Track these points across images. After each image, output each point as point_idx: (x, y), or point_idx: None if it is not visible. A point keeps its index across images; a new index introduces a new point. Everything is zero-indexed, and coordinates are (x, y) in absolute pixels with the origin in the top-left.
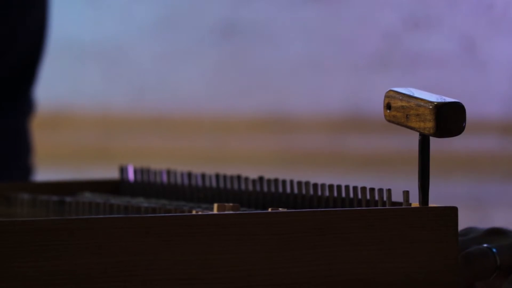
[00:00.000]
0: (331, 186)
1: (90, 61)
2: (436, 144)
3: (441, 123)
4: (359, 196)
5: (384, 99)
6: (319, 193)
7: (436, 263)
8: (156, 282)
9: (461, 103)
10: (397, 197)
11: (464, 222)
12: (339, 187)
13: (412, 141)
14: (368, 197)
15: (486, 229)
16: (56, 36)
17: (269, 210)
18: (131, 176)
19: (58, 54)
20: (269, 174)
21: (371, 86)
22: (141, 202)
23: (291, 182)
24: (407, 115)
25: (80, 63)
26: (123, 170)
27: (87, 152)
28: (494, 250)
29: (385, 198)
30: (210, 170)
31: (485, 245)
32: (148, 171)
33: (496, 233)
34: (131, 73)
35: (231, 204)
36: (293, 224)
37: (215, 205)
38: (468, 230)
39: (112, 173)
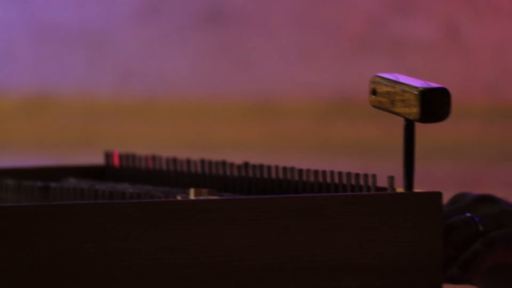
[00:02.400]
0: (316, 172)
1: (75, 46)
2: (422, 129)
3: (426, 109)
4: (344, 181)
5: (370, 85)
6: (304, 178)
7: (421, 247)
8: (140, 267)
9: (446, 89)
10: (382, 182)
11: None
12: (324, 172)
13: (397, 126)
14: (353, 182)
15: (475, 196)
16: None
17: (254, 195)
18: (116, 161)
19: (43, 39)
20: (254, 160)
21: (357, 71)
22: (126, 187)
23: (276, 167)
24: (392, 100)
25: (65, 48)
26: (108, 156)
27: (72, 138)
28: (476, 219)
29: (370, 184)
30: (195, 155)
31: (468, 214)
32: (133, 156)
33: (484, 200)
34: (116, 59)
35: (207, 189)
36: (278, 209)
37: (192, 190)
38: (458, 197)
39: (97, 159)
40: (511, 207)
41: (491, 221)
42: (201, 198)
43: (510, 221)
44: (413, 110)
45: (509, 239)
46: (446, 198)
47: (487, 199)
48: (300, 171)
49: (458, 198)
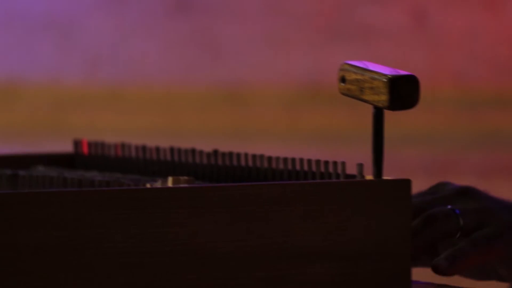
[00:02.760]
0: (285, 159)
1: (43, 33)
2: (390, 117)
3: (395, 96)
4: (314, 169)
5: (339, 72)
6: (274, 166)
7: (390, 234)
8: (109, 256)
9: (415, 76)
10: (351, 169)
11: None
12: (293, 160)
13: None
14: (322, 170)
15: (457, 187)
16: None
17: (223, 183)
18: (85, 149)
19: (10, 26)
20: (223, 148)
21: (326, 59)
22: (95, 175)
23: (246, 155)
24: (361, 88)
25: (33, 35)
26: (77, 144)
27: (40, 125)
28: (457, 211)
29: (339, 171)
30: (164, 143)
31: (449, 206)
32: (102, 144)
33: (466, 193)
34: (85, 46)
35: (185, 177)
36: (247, 197)
37: (170, 178)
38: (438, 187)
39: (66, 147)
40: (492, 203)
41: (472, 217)
42: (170, 186)
43: (490, 219)
44: (382, 98)
45: (491, 240)
46: (415, 186)
47: (469, 192)
48: (270, 158)
49: (438, 188)
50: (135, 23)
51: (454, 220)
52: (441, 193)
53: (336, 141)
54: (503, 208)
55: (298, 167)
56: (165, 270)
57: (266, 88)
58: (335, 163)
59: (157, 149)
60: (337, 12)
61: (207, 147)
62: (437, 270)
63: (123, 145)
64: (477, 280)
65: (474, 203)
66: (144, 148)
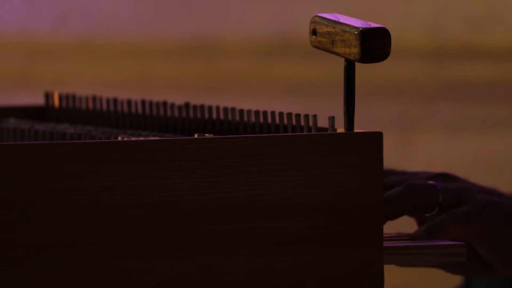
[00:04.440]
0: (257, 112)
1: None
2: (362, 70)
3: (366, 49)
4: (285, 122)
5: (310, 25)
6: (245, 119)
7: (362, 187)
8: (81, 208)
9: (386, 29)
10: (323, 123)
11: (389, 146)
12: (265, 113)
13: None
14: (294, 123)
15: (436, 172)
16: None
17: (195, 136)
18: (56, 102)
19: None
20: (195, 100)
21: (297, 11)
22: (67, 128)
23: (217, 108)
24: (332, 40)
25: None
26: (48, 96)
27: (10, 78)
28: (438, 187)
29: (311, 124)
30: (136, 96)
31: (431, 182)
32: (73, 97)
33: (444, 177)
34: None
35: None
36: (219, 150)
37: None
38: (416, 173)
39: (37, 99)
40: (470, 185)
41: (451, 195)
42: (141, 138)
43: (468, 199)
44: (353, 50)
45: (469, 217)
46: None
47: (448, 175)
48: (241, 111)
49: (417, 173)
50: None
51: (434, 195)
52: (421, 175)
53: (307, 94)
54: (480, 190)
55: (269, 120)
56: (136, 223)
57: (237, 41)
58: (306, 116)
59: (129, 101)
60: None
61: (179, 100)
62: (416, 240)
63: (94, 98)
64: (467, 276)
65: (453, 184)
66: (115, 100)
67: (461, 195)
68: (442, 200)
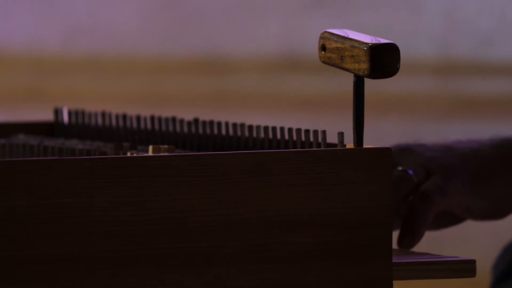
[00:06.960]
0: (266, 128)
1: (23, 0)
2: (371, 86)
3: (375, 64)
4: (294, 138)
5: (319, 41)
6: (254, 135)
7: (371, 203)
8: (90, 224)
9: (395, 44)
10: (332, 138)
11: None
12: (274, 128)
13: (347, 82)
14: (303, 138)
15: (397, 147)
16: None
17: (150, 147)
18: (65, 118)
19: None
20: (204, 116)
21: (306, 27)
22: (76, 144)
23: (226, 124)
24: (341, 56)
25: (13, 1)
26: (57, 112)
27: (20, 94)
28: (410, 172)
29: (320, 140)
30: (145, 112)
31: (399, 168)
32: (82, 113)
33: (407, 150)
34: (65, 13)
35: (166, 146)
36: (228, 166)
37: (150, 147)
38: None
39: (46, 115)
40: (434, 151)
41: (422, 171)
42: (151, 154)
43: (436, 168)
44: (363, 66)
45: (440, 188)
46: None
47: (410, 147)
48: (250, 127)
49: None
50: None
51: (410, 181)
52: None
53: (317, 109)
54: (444, 153)
55: (278, 136)
56: (146, 238)
57: (246, 57)
58: (315, 132)
59: (138, 117)
60: None
61: (188, 116)
62: (404, 247)
63: (103, 114)
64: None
65: (418, 158)
66: (124, 116)
67: (429, 166)
68: (417, 181)
